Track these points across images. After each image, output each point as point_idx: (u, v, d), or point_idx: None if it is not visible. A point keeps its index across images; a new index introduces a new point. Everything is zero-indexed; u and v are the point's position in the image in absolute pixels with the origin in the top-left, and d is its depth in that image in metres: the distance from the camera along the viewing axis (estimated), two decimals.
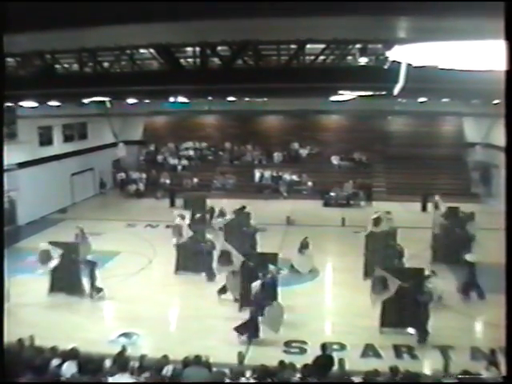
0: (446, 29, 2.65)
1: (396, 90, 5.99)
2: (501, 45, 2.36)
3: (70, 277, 18.54)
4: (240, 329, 15.15)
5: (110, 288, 19.09)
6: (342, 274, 20.78)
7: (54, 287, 18.62)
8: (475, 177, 36.21)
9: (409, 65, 4.83)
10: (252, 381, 9.71)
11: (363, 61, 16.85)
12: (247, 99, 32.47)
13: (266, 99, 32.96)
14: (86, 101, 24.49)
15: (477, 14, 2.20)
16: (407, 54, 3.38)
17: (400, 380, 9.93)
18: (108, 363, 10.44)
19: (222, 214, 25.31)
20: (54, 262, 18.07)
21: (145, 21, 2.97)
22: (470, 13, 2.26)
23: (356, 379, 10.27)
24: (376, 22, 2.84)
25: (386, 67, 10.62)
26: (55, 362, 9.72)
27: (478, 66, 3.12)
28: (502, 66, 2.30)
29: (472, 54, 2.87)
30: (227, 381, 9.21)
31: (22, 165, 28.48)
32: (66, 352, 10.32)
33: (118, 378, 8.76)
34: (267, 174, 38.61)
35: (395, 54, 3.65)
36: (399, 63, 4.96)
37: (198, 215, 25.69)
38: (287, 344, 15.00)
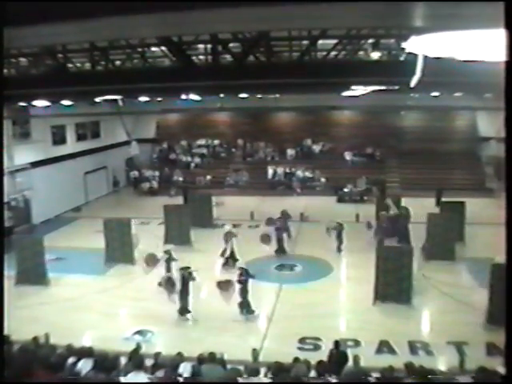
0: (465, 16, 2.60)
1: (413, 83, 5.89)
2: None
3: (36, 268, 19.71)
4: None
5: (125, 285, 19.16)
6: (356, 270, 20.69)
7: (20, 279, 19.50)
8: (489, 171, 35.92)
9: (425, 57, 4.75)
10: (265, 380, 9.65)
11: (375, 55, 16.78)
12: (259, 96, 32.38)
13: (278, 96, 32.84)
14: (98, 99, 24.54)
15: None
16: (424, 45, 3.31)
17: (414, 377, 9.84)
18: (123, 361, 10.47)
19: None
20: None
21: (152, 11, 2.92)
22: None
23: (371, 376, 10.19)
24: (392, 9, 2.78)
25: (400, 60, 10.54)
26: (71, 359, 9.74)
27: (497, 57, 3.06)
28: None
29: (492, 43, 2.81)
30: (241, 379, 9.16)
31: (36, 164, 28.66)
32: (81, 350, 10.35)
33: (132, 375, 8.76)
34: (280, 170, 38.55)
35: (411, 44, 3.58)
36: (414, 56, 4.89)
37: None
38: (301, 340, 14.96)
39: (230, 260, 21.48)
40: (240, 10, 2.83)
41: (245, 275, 16.97)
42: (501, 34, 2.43)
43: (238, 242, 22.40)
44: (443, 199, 28.49)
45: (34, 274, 19.64)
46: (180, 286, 16.74)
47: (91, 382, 8.31)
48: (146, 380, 8.76)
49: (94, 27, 3.51)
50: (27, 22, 3.12)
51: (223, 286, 16.61)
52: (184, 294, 16.76)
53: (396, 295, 17.25)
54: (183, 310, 16.80)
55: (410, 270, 17.28)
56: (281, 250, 22.75)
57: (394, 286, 17.36)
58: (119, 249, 22.03)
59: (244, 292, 16.78)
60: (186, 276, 16.80)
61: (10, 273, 18.86)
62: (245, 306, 16.84)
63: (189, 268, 17.14)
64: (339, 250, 23.38)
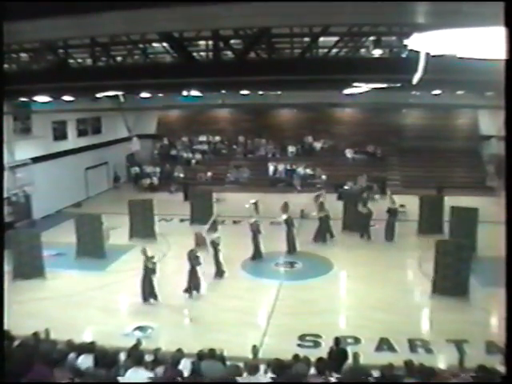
0: (468, 13, 2.58)
1: (415, 80, 5.87)
2: None
3: (33, 262, 19.89)
4: None
5: (125, 281, 19.16)
6: (357, 268, 20.69)
7: (17, 274, 19.55)
8: (490, 170, 35.89)
9: (427, 54, 4.73)
10: (265, 379, 9.64)
11: (377, 53, 16.75)
12: (260, 93, 32.36)
13: (279, 92, 32.82)
14: (99, 95, 24.50)
15: None
16: (426, 42, 3.30)
17: (414, 374, 9.85)
18: (123, 357, 10.47)
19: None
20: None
21: (154, 6, 2.91)
22: None
23: (371, 373, 10.19)
24: (394, 6, 2.77)
25: (402, 57, 10.50)
26: (71, 355, 9.75)
27: (499, 55, 3.05)
28: None
29: (494, 41, 2.79)
30: (241, 378, 9.15)
31: (37, 159, 28.64)
32: (82, 345, 10.36)
33: (132, 371, 8.76)
34: (281, 167, 38.52)
35: (413, 42, 3.56)
36: (416, 53, 4.87)
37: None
38: (301, 337, 14.97)
39: (257, 254, 21.82)
40: (241, 6, 2.82)
41: (194, 259, 17.88)
42: (503, 31, 2.42)
43: (239, 238, 22.47)
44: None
45: (31, 269, 19.74)
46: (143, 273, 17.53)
47: (91, 382, 8.30)
48: (146, 376, 8.77)
49: (95, 22, 3.49)
50: (27, 17, 3.11)
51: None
52: (147, 281, 17.47)
53: (453, 289, 17.36)
54: (147, 296, 17.54)
55: (468, 264, 17.38)
56: (292, 249, 22.76)
57: (451, 279, 17.47)
58: (90, 243, 22.31)
59: (193, 276, 17.93)
60: (150, 266, 17.46)
61: (7, 267, 18.87)
62: (193, 289, 17.98)
63: (153, 257, 17.74)
64: (324, 241, 24.12)
